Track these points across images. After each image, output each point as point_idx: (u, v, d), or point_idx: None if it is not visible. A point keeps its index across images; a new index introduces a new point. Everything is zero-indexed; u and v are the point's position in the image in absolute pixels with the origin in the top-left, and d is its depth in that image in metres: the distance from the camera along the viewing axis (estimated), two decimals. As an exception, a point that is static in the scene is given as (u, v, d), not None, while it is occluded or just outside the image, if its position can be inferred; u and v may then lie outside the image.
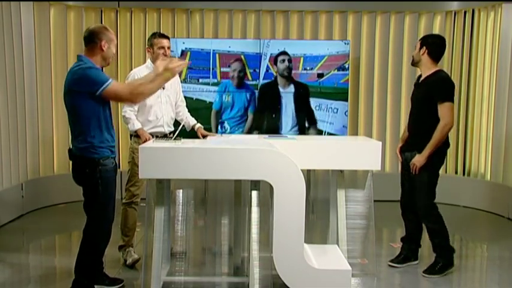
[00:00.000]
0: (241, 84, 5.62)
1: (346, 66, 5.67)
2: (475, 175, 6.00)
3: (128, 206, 3.81)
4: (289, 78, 5.62)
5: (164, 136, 3.77)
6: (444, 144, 3.67)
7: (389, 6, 6.10)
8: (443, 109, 3.58)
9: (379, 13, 6.13)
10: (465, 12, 6.00)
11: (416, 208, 3.76)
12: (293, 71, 5.63)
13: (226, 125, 5.61)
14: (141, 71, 3.82)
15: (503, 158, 5.54)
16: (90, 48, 3.07)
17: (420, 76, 3.82)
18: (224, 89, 5.62)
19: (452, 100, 3.63)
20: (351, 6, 6.07)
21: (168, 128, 3.92)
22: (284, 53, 5.59)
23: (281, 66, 5.58)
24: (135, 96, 2.97)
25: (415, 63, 3.81)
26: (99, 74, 2.96)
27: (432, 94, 3.62)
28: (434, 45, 3.70)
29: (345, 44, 5.73)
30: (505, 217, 5.46)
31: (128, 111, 3.75)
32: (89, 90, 2.92)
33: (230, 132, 5.54)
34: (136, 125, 3.73)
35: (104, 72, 3.01)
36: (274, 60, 5.59)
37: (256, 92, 5.62)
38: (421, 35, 6.06)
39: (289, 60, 5.58)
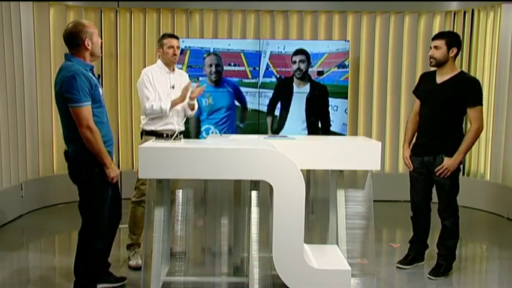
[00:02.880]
0: (219, 81, 5.50)
1: (346, 63, 5.67)
2: (474, 175, 6.00)
3: (138, 204, 3.82)
4: (304, 79, 5.55)
5: (167, 136, 3.79)
6: None
7: (389, 7, 6.10)
8: (474, 113, 3.54)
9: (378, 13, 6.13)
10: (465, 12, 6.00)
11: (440, 209, 3.71)
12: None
13: (213, 129, 5.48)
14: (153, 70, 3.84)
15: (502, 158, 5.54)
16: (75, 50, 3.01)
17: (429, 74, 3.75)
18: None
19: (482, 103, 3.59)
20: (351, 6, 6.07)
21: (178, 127, 3.91)
22: (299, 52, 5.49)
23: (294, 66, 5.51)
24: (84, 133, 2.93)
25: (438, 65, 3.63)
26: (81, 88, 2.88)
27: (460, 97, 3.54)
28: (459, 45, 3.63)
29: (345, 41, 5.73)
30: (505, 217, 5.47)
31: (152, 104, 3.72)
32: (68, 98, 2.90)
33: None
34: (163, 104, 3.73)
35: (88, 87, 2.94)
36: (291, 58, 5.53)
37: (254, 91, 5.57)
38: (421, 35, 6.11)
39: (302, 61, 5.47)
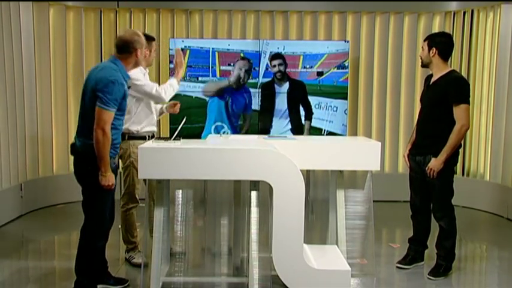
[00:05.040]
0: (241, 87, 5.61)
1: (346, 64, 5.67)
2: (474, 175, 6.00)
3: (129, 210, 3.83)
4: (283, 78, 5.64)
5: (153, 136, 3.81)
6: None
7: (389, 7, 6.10)
8: (459, 111, 3.52)
9: (378, 13, 6.13)
10: (464, 13, 6.00)
11: (434, 210, 3.73)
12: (292, 70, 5.64)
13: (226, 129, 5.59)
14: (137, 71, 3.76)
15: (502, 158, 5.54)
16: (124, 56, 3.13)
17: (430, 76, 3.76)
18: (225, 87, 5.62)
19: (467, 101, 3.56)
20: (350, 6, 6.07)
21: (156, 128, 3.96)
22: (277, 56, 5.58)
23: (274, 70, 5.62)
24: (98, 133, 2.95)
25: (425, 65, 3.74)
26: (115, 95, 2.98)
27: (446, 95, 3.55)
28: (443, 44, 3.63)
29: (345, 42, 5.74)
30: (504, 217, 5.47)
31: (163, 87, 3.71)
32: (98, 97, 2.97)
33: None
34: (172, 80, 3.76)
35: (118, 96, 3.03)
36: (269, 62, 5.62)
37: (254, 91, 5.63)
38: (421, 35, 6.10)
39: (281, 64, 5.59)
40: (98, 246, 3.21)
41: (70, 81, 5.88)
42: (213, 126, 5.59)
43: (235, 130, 5.62)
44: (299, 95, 5.66)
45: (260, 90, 5.62)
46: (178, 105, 4.01)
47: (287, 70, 5.62)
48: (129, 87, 3.25)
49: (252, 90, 5.63)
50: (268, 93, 5.64)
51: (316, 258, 3.32)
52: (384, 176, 6.08)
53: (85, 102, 3.08)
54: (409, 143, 3.94)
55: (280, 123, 5.67)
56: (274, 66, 5.60)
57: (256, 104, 5.64)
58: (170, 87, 3.73)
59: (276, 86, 5.65)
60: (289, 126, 5.67)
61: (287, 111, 5.66)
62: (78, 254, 3.20)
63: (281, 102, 5.65)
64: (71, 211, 5.50)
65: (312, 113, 5.68)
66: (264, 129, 5.62)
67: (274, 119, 5.67)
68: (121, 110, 3.10)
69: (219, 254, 4.02)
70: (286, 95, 5.64)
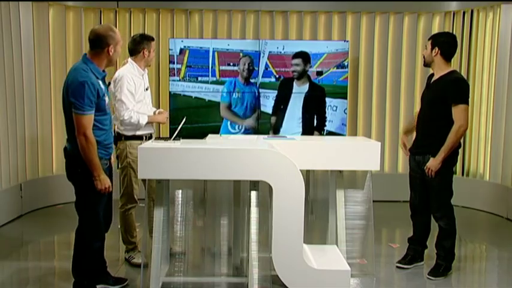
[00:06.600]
0: (249, 79, 5.63)
1: (346, 63, 5.67)
2: (474, 175, 6.00)
3: (128, 210, 3.83)
4: (302, 78, 5.61)
5: (150, 137, 3.81)
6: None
7: (389, 7, 6.10)
8: (457, 111, 3.52)
9: (378, 13, 6.13)
10: (464, 13, 6.00)
11: (432, 210, 3.73)
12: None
13: (239, 124, 5.62)
14: (132, 74, 3.76)
15: (502, 158, 5.55)
16: (96, 52, 3.02)
17: (431, 76, 3.77)
18: (233, 87, 5.62)
19: (467, 102, 3.56)
20: (350, 6, 6.07)
21: (153, 129, 3.96)
22: (296, 56, 5.56)
23: (292, 68, 5.60)
24: (80, 139, 2.92)
25: (427, 64, 3.75)
26: (87, 97, 2.87)
27: (446, 95, 3.55)
28: (446, 45, 3.63)
29: (344, 42, 5.74)
30: (504, 217, 5.47)
31: (132, 115, 3.66)
32: (72, 103, 2.92)
33: (243, 132, 5.59)
34: (142, 118, 3.70)
35: (93, 95, 2.92)
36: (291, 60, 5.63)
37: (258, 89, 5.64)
38: (420, 35, 6.12)
39: (297, 64, 5.55)
40: (93, 248, 3.18)
41: (70, 81, 5.87)
42: (228, 122, 5.61)
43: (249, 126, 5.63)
44: (316, 101, 5.63)
45: (278, 85, 5.61)
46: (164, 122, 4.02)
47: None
48: (108, 84, 3.18)
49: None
50: (286, 92, 5.61)
51: (316, 258, 3.32)
52: (383, 176, 6.08)
53: (63, 105, 3.03)
54: (403, 131, 4.01)
55: (292, 123, 5.63)
56: (292, 65, 5.59)
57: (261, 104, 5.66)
58: (136, 120, 3.66)
59: (295, 84, 5.63)
60: (300, 129, 5.62)
61: (301, 112, 5.63)
62: (74, 256, 3.18)
63: (295, 102, 5.62)
64: (71, 211, 5.45)
65: (325, 125, 5.65)
66: (274, 128, 5.63)
67: (285, 118, 5.64)
68: (101, 110, 3.00)
69: (218, 254, 4.02)
70: (303, 95, 5.60)
